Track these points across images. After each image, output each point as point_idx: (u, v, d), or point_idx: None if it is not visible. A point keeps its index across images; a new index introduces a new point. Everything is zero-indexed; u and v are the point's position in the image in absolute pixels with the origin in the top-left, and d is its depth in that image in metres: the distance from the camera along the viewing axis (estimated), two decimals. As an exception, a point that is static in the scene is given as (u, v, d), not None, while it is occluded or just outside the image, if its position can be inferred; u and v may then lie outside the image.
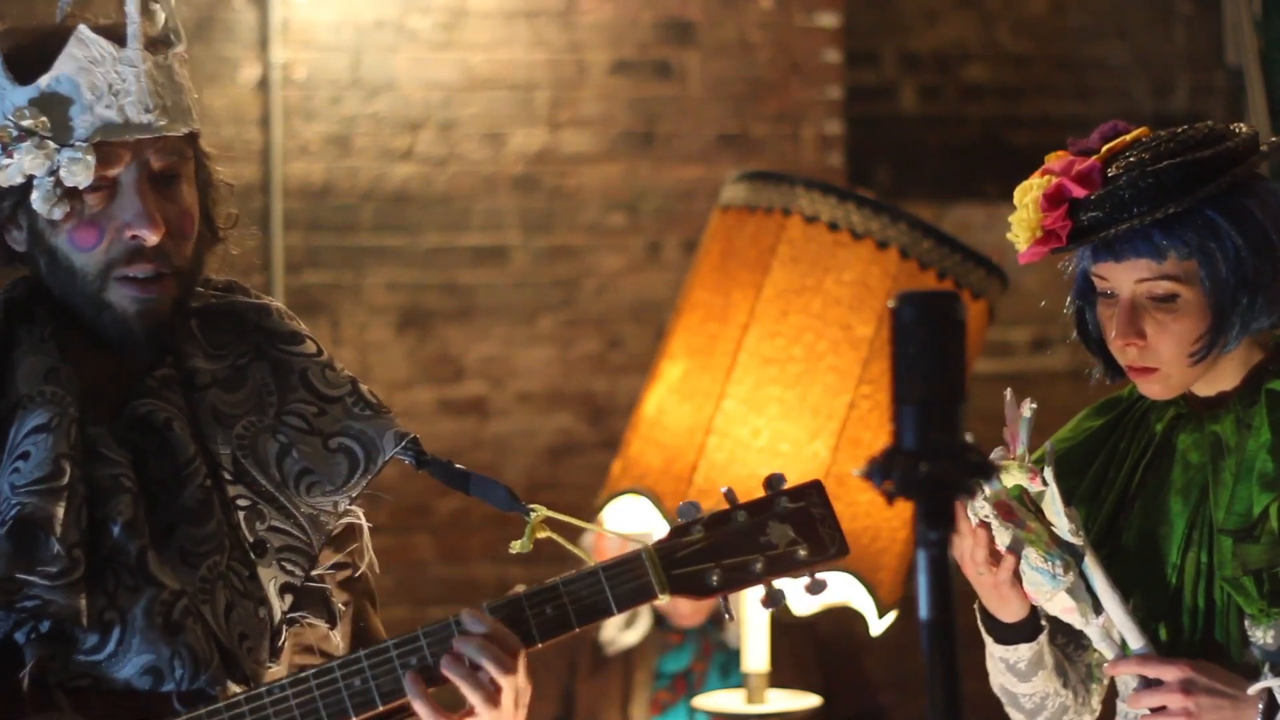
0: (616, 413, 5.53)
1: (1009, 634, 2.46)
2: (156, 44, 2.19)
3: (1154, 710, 2.39)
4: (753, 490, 2.20)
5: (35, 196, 2.14)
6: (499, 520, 2.28)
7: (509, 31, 5.66)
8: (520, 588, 2.20)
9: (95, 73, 2.15)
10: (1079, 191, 2.37)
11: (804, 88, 5.86)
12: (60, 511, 2.11)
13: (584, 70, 5.71)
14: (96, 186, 2.15)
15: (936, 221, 4.49)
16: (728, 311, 3.64)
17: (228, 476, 2.22)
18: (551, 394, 5.71)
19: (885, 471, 1.53)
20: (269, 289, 5.34)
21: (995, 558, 2.38)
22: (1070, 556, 2.40)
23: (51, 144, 2.14)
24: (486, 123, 5.65)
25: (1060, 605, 2.42)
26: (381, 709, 2.15)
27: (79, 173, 2.13)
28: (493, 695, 2.13)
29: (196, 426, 2.23)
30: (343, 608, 2.30)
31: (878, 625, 3.57)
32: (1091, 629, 2.43)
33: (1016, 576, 2.40)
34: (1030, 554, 2.39)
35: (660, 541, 2.18)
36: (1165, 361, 2.38)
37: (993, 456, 2.41)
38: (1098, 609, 2.41)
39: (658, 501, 3.57)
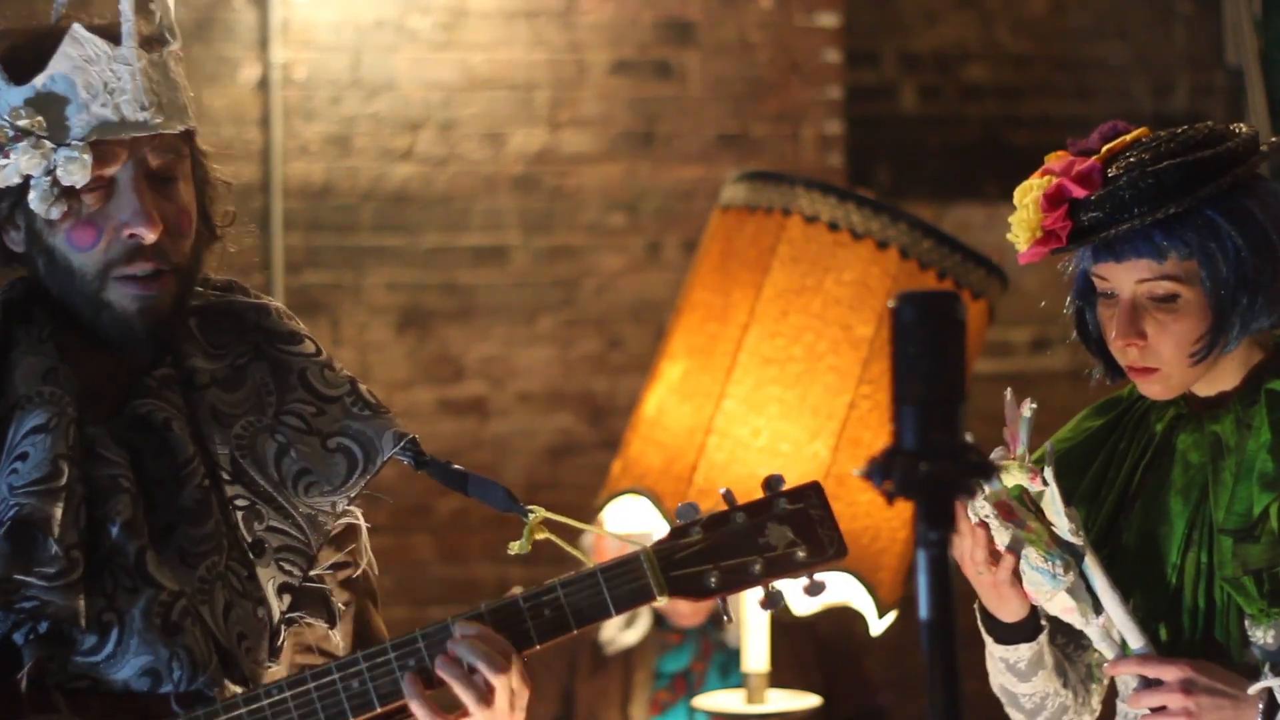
0: (616, 413, 5.53)
1: (1009, 634, 2.46)
2: (151, 42, 2.19)
3: (1154, 710, 2.39)
4: (752, 490, 2.20)
5: (32, 196, 2.14)
6: (499, 520, 2.28)
7: (509, 31, 5.66)
8: (518, 589, 2.20)
9: (90, 71, 2.14)
10: (1079, 192, 2.37)
11: (804, 88, 5.86)
12: (58, 512, 2.11)
13: (584, 70, 5.71)
14: (93, 186, 2.15)
15: (936, 221, 4.49)
16: (728, 311, 3.64)
17: (226, 476, 2.22)
18: (551, 394, 5.71)
19: (885, 471, 1.53)
20: (269, 289, 5.34)
21: (995, 557, 2.38)
22: (1070, 556, 2.40)
23: (48, 144, 2.14)
24: (486, 123, 5.65)
25: (1060, 605, 2.41)
26: (379, 711, 2.15)
27: (76, 172, 2.13)
28: (486, 696, 2.13)
29: (195, 426, 2.22)
30: (343, 607, 2.30)
31: (878, 625, 3.57)
32: (1091, 629, 2.43)
33: (1016, 576, 2.40)
34: (1030, 554, 2.39)
35: (659, 543, 2.18)
36: (1166, 362, 2.38)
37: (993, 456, 2.41)
38: (1098, 609, 2.41)
39: (658, 501, 3.57)
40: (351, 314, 5.59)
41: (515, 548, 2.23)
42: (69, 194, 2.15)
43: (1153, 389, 2.42)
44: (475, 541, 5.56)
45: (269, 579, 2.22)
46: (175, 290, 2.19)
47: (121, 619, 2.13)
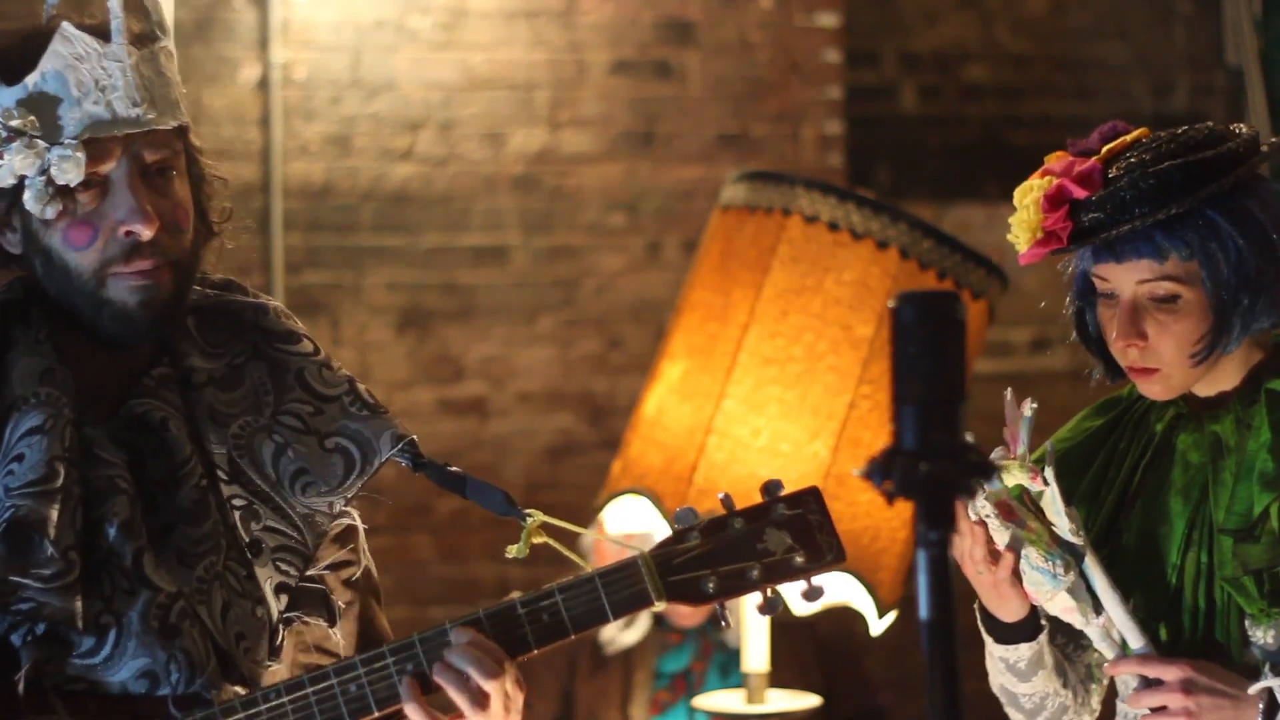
0: (616, 413, 5.53)
1: (1009, 634, 2.46)
2: (142, 39, 2.19)
3: (1154, 710, 2.38)
4: (752, 490, 2.20)
5: (28, 196, 2.14)
6: (498, 520, 2.28)
7: (509, 31, 5.65)
8: (517, 594, 2.20)
9: (81, 69, 2.14)
10: (1080, 192, 2.37)
11: (804, 88, 5.86)
12: (54, 514, 2.11)
13: (584, 70, 5.71)
14: (88, 184, 2.15)
15: (936, 221, 4.49)
16: (728, 311, 3.64)
17: (223, 476, 2.22)
18: (551, 394, 5.71)
19: (885, 471, 1.53)
20: (269, 289, 5.34)
21: (995, 557, 2.38)
22: (1071, 556, 2.40)
23: (41, 143, 2.13)
24: (486, 123, 5.65)
25: (1061, 605, 2.41)
26: (377, 715, 2.16)
27: (70, 170, 2.13)
28: (480, 701, 2.13)
29: (193, 426, 2.22)
30: (343, 606, 2.30)
31: (878, 625, 3.57)
32: (1092, 629, 2.43)
33: (1016, 576, 2.40)
34: (1031, 554, 2.39)
35: (657, 548, 2.18)
36: (1166, 362, 2.38)
37: (993, 456, 2.41)
38: (1098, 609, 2.41)
39: (658, 501, 3.57)
40: (351, 314, 5.59)
41: (513, 551, 2.23)
42: (64, 193, 2.15)
43: (1153, 389, 2.42)
44: (475, 541, 5.55)
45: (266, 579, 2.22)
46: (174, 283, 2.19)
47: (119, 621, 2.13)
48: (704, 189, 5.62)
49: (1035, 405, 2.41)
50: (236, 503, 2.22)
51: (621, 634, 4.28)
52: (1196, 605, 2.41)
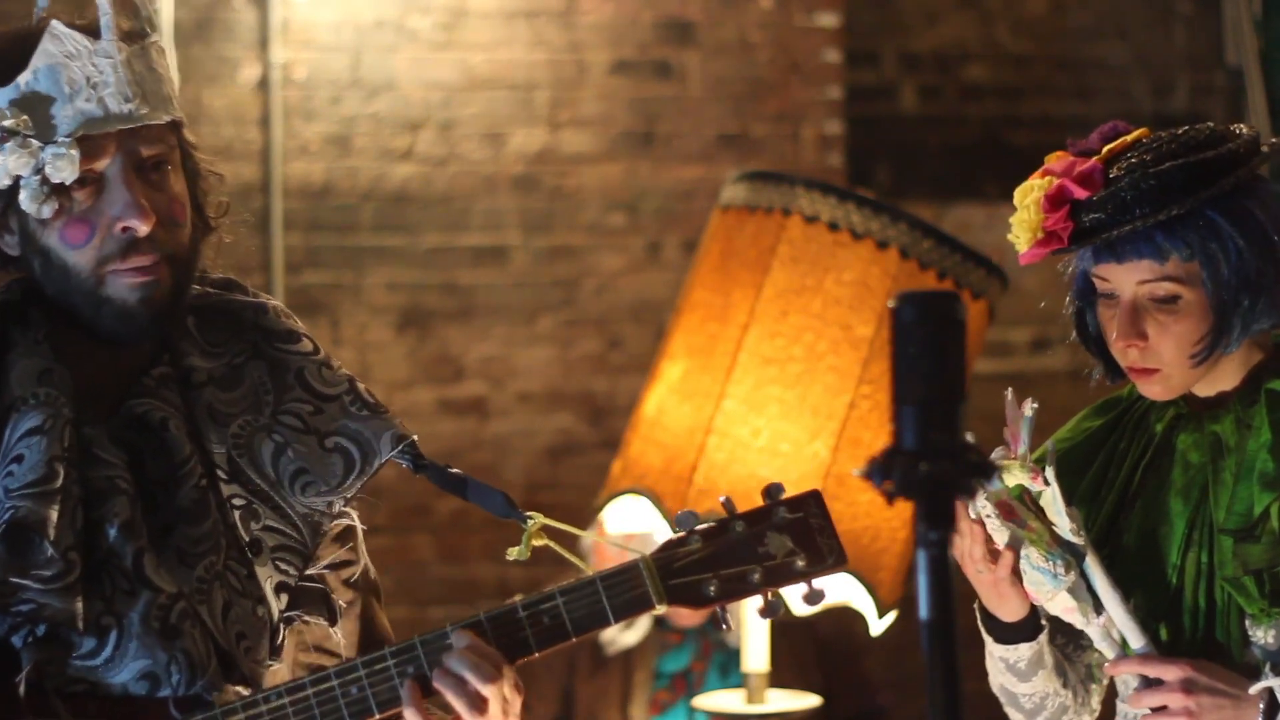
0: (616, 413, 5.53)
1: (1009, 633, 2.46)
2: (132, 35, 2.19)
3: (1155, 710, 2.38)
4: (753, 490, 2.20)
5: (23, 196, 2.14)
6: (499, 521, 2.28)
7: (509, 31, 5.65)
8: (518, 597, 2.20)
9: (72, 67, 2.14)
10: (1080, 193, 2.37)
11: (804, 88, 5.86)
12: (54, 514, 2.10)
13: (584, 70, 5.71)
14: (84, 181, 2.14)
15: (936, 221, 4.49)
16: (728, 311, 3.64)
17: (223, 476, 2.22)
18: (551, 394, 5.71)
19: (885, 471, 1.53)
20: (269, 289, 5.34)
21: (994, 556, 2.39)
22: (1071, 556, 2.40)
23: (35, 142, 2.13)
24: (486, 123, 5.65)
25: (1061, 605, 2.41)
26: (378, 717, 2.16)
27: (64, 168, 2.13)
28: (478, 704, 2.14)
29: (193, 425, 2.22)
30: (344, 605, 2.30)
31: (878, 625, 3.56)
32: (1092, 629, 2.43)
33: (1016, 575, 2.40)
34: (1031, 553, 2.39)
35: (658, 551, 2.18)
36: (1166, 363, 2.38)
37: (993, 456, 2.41)
38: (1098, 609, 2.41)
39: (658, 502, 3.56)
40: (351, 314, 5.59)
41: (514, 554, 2.23)
42: (59, 192, 2.14)
43: (1153, 390, 2.42)
44: (475, 542, 5.55)
45: (267, 578, 2.22)
46: (173, 279, 2.18)
47: (120, 622, 2.12)
48: (704, 189, 5.62)
49: (1035, 405, 2.41)
50: (236, 502, 2.22)
51: (622, 634, 4.28)
52: (1197, 605, 2.41)
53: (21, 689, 2.09)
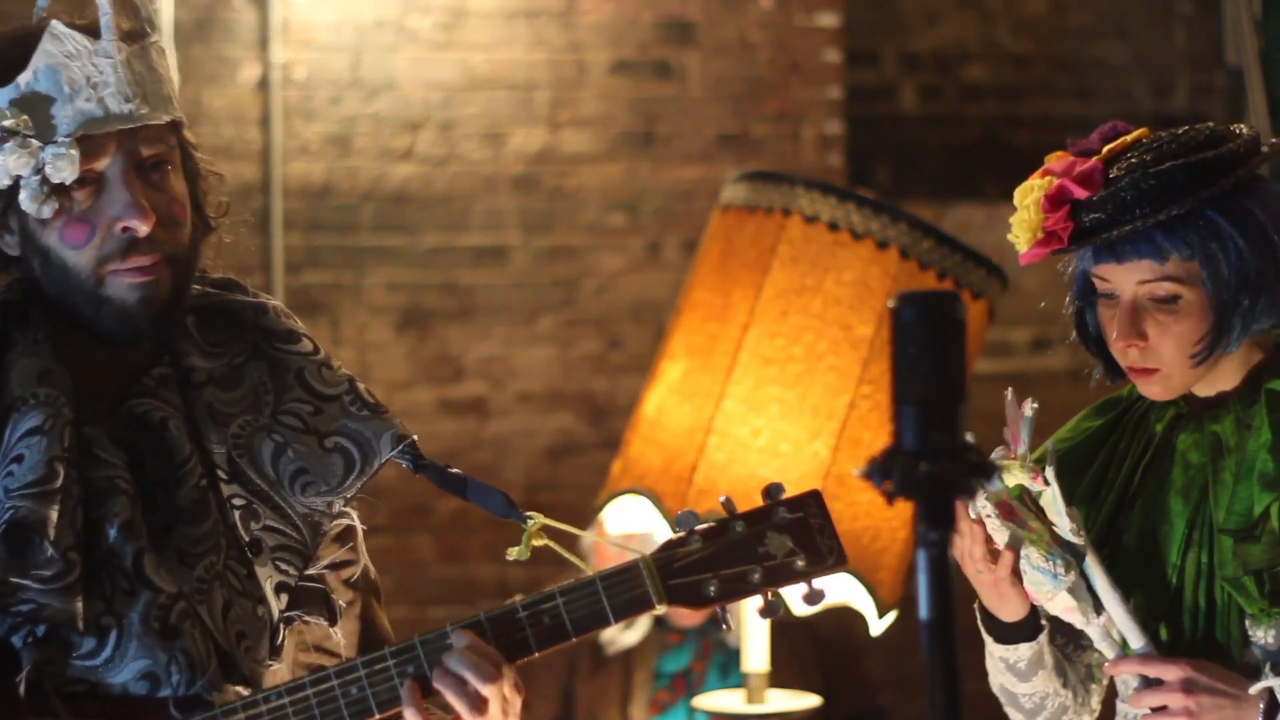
0: (616, 413, 5.53)
1: (1009, 633, 2.46)
2: (131, 35, 2.19)
3: (1155, 710, 2.38)
4: (753, 490, 2.20)
5: (23, 196, 2.14)
6: (499, 521, 2.28)
7: (509, 31, 5.65)
8: (518, 597, 2.20)
9: (72, 67, 2.14)
10: (1081, 193, 2.37)
11: (804, 88, 5.86)
12: (54, 514, 2.10)
13: (584, 70, 5.71)
14: (83, 181, 2.14)
15: (936, 221, 4.49)
16: (728, 311, 3.64)
17: (223, 476, 2.22)
18: (551, 394, 5.71)
19: (885, 471, 1.53)
20: (269, 289, 5.34)
21: (994, 556, 2.39)
22: (1071, 556, 2.40)
23: (35, 142, 2.13)
24: (486, 123, 5.65)
25: (1061, 605, 2.41)
26: (379, 717, 2.16)
27: (64, 168, 2.13)
28: (478, 704, 2.14)
29: (193, 425, 2.22)
30: (344, 605, 2.30)
31: (878, 625, 3.56)
32: (1092, 629, 2.43)
33: (1016, 575, 2.40)
34: (1032, 553, 2.39)
35: (658, 551, 2.18)
36: (1166, 363, 2.38)
37: (993, 456, 2.41)
38: (1098, 609, 2.41)
39: (658, 501, 3.56)
40: (351, 314, 5.59)
41: (514, 554, 2.23)
42: (59, 192, 2.14)
43: (1153, 390, 2.42)
44: (475, 542, 5.55)
45: (267, 578, 2.22)
46: (173, 279, 2.18)
47: (120, 622, 2.12)
48: (704, 189, 5.62)
49: (1035, 405, 2.41)
50: (236, 502, 2.22)
51: (622, 634, 4.28)
52: (1197, 605, 2.41)
53: (21, 689, 2.09)
